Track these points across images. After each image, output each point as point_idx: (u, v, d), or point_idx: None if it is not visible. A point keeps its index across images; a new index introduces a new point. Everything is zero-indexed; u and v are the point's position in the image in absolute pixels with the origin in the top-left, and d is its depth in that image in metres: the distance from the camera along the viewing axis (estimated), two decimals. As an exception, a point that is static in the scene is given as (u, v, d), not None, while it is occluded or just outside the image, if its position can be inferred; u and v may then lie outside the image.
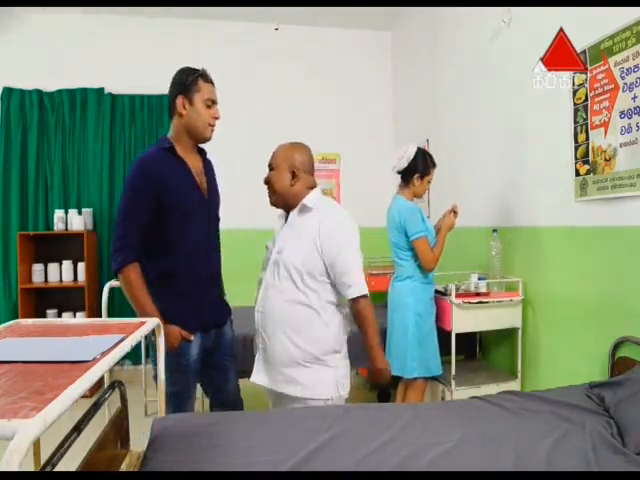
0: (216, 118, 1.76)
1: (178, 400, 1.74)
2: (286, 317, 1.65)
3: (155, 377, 1.67)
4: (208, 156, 1.91)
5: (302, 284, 1.64)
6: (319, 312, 1.65)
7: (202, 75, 1.74)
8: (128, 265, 1.62)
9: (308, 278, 1.63)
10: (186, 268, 1.72)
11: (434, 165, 2.47)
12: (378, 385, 1.70)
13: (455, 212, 2.47)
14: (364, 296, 1.66)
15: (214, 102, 1.75)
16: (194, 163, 1.78)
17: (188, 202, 1.72)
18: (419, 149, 2.43)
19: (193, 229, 1.73)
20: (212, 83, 1.76)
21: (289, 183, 1.71)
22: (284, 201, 1.74)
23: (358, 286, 1.65)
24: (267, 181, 1.75)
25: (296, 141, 1.80)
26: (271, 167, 1.75)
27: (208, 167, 1.87)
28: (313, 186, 1.77)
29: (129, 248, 1.63)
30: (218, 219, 1.91)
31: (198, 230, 1.76)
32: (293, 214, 1.72)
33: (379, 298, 2.90)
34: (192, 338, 1.71)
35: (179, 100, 1.71)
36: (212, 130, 1.77)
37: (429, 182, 2.48)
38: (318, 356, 1.65)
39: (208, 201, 1.80)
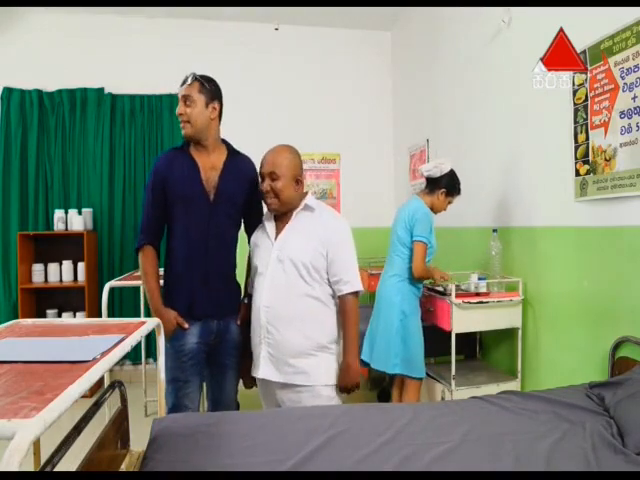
0: (179, 114, 1.80)
1: (174, 388, 1.76)
2: (296, 310, 1.72)
3: None
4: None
5: (310, 278, 1.72)
6: (325, 302, 1.76)
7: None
8: (142, 247, 1.83)
9: (314, 272, 1.72)
10: (180, 261, 1.81)
11: (459, 192, 2.54)
12: (345, 389, 1.74)
13: (443, 278, 2.48)
14: (356, 293, 1.76)
15: (179, 100, 1.80)
16: (207, 161, 1.83)
17: (186, 194, 1.78)
18: (453, 171, 2.51)
19: (191, 223, 1.79)
20: (182, 83, 1.81)
21: (294, 191, 1.76)
22: (287, 207, 1.78)
23: (354, 283, 1.75)
24: (272, 190, 1.73)
25: (284, 144, 1.81)
26: (274, 176, 1.72)
27: (231, 166, 1.86)
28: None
29: (143, 233, 1.84)
30: (229, 218, 1.87)
31: (196, 225, 1.79)
32: (296, 214, 1.78)
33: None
34: (187, 326, 1.79)
35: None
36: (182, 126, 1.80)
37: (449, 204, 2.55)
38: (324, 344, 1.75)
39: (214, 198, 1.81)
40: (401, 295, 2.40)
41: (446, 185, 2.47)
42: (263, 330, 1.74)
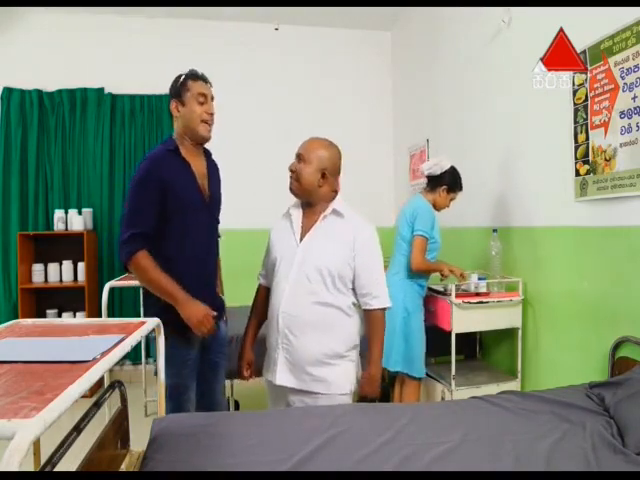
0: (210, 114, 1.76)
1: (175, 393, 1.74)
2: (317, 318, 1.66)
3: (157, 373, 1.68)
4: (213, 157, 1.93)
5: (333, 287, 1.66)
6: (346, 312, 1.70)
7: (190, 75, 1.76)
8: (137, 253, 1.64)
9: (339, 282, 1.67)
10: (186, 269, 1.74)
11: (461, 188, 2.56)
12: (365, 399, 1.72)
13: (462, 275, 2.48)
14: (385, 309, 1.71)
15: (206, 97, 1.75)
16: (198, 166, 1.80)
17: (191, 207, 1.74)
18: (453, 167, 2.53)
19: (195, 232, 1.76)
20: (204, 80, 1.77)
21: (317, 183, 1.69)
22: (306, 195, 1.72)
23: (383, 298, 1.71)
24: (294, 171, 1.71)
25: (329, 140, 1.76)
26: (301, 158, 1.70)
27: (212, 169, 1.88)
28: (336, 189, 1.77)
29: (137, 239, 1.65)
30: (218, 222, 1.92)
31: (199, 234, 1.78)
32: (324, 217, 1.71)
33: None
34: (215, 314, 1.74)
35: (172, 104, 1.77)
36: (209, 128, 1.77)
37: (452, 200, 2.56)
38: (343, 353, 1.70)
39: (209, 205, 1.82)
40: (404, 293, 2.42)
41: (448, 182, 2.49)
42: (281, 335, 1.70)
